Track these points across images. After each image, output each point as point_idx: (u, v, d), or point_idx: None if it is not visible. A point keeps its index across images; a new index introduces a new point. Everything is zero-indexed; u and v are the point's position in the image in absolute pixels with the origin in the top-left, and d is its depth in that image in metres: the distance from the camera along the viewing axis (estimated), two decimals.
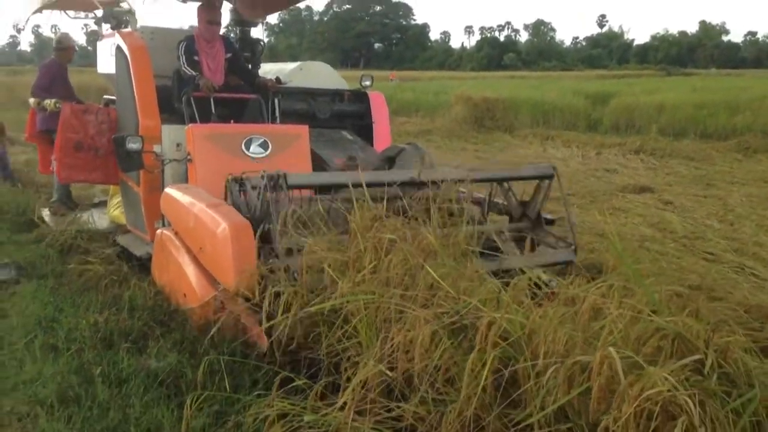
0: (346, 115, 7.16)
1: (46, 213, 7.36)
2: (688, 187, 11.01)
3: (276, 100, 6.33)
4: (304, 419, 2.82)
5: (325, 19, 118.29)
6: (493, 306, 2.68)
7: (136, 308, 4.37)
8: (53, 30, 26.37)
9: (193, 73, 5.90)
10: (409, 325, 2.82)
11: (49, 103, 7.16)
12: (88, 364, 3.54)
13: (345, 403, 2.80)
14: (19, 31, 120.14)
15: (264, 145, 5.46)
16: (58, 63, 7.78)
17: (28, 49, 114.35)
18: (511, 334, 2.59)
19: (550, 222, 5.08)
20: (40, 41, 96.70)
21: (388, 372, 2.77)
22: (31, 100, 7.55)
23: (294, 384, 3.07)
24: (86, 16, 7.54)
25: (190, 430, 2.91)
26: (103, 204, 7.82)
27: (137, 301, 4.49)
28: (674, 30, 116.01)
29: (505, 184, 5.05)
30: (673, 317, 2.34)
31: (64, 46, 7.90)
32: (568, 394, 2.24)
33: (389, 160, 5.78)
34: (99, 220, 7.07)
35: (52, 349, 3.79)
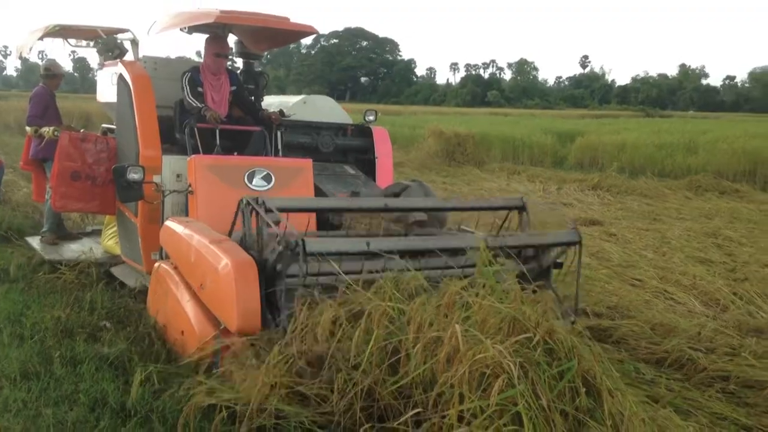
0: (350, 149, 7.18)
1: (37, 243, 7.21)
2: (635, 221, 11.67)
3: (279, 133, 6.30)
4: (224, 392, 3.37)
5: (313, 52, 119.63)
6: (383, 297, 3.27)
7: (96, 308, 4.96)
8: (40, 56, 26.63)
9: (198, 104, 5.84)
10: (317, 312, 3.40)
11: (47, 130, 7.06)
12: (49, 349, 4.13)
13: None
14: (6, 56, 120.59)
15: (267, 178, 5.39)
16: (48, 90, 7.71)
17: (14, 74, 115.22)
18: (395, 320, 3.18)
19: (559, 265, 4.87)
20: (26, 66, 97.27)
21: (295, 352, 3.33)
22: (28, 129, 7.44)
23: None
24: (87, 45, 7.40)
25: (131, 398, 3.48)
26: (96, 233, 7.72)
27: (98, 302, 5.07)
28: (654, 72, 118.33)
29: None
30: (513, 305, 2.94)
31: (52, 73, 7.85)
32: (427, 362, 2.83)
33: (393, 197, 5.64)
34: (92, 249, 6.88)
35: (18, 338, 4.38)
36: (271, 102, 7.28)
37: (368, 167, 7.10)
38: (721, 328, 5.95)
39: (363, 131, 7.29)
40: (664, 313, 6.43)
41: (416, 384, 2.95)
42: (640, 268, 8.11)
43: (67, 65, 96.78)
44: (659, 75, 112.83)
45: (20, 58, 8.15)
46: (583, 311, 5.85)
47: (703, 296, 7.07)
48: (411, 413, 2.76)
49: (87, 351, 4.08)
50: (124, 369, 3.90)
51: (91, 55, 8.08)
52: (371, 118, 7.38)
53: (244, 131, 6.12)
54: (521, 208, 4.92)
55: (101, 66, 6.86)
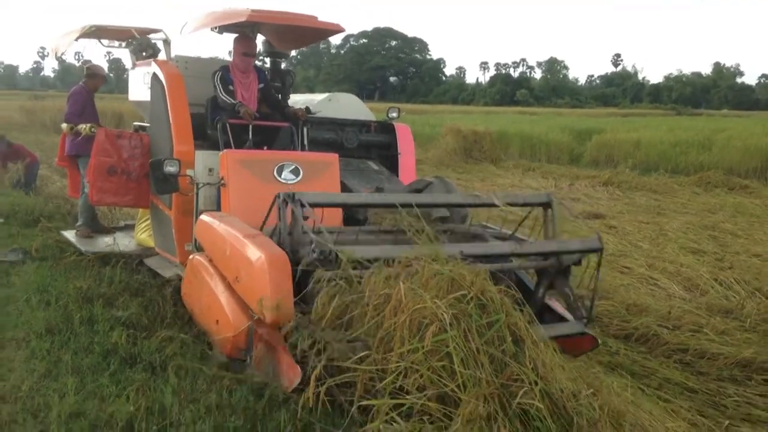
0: (373, 146, 7.35)
1: (72, 236, 7.43)
2: (638, 215, 12.01)
3: (305, 129, 6.47)
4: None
5: (342, 52, 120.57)
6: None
7: (115, 282, 5.62)
8: (77, 57, 27.56)
9: (232, 101, 6.06)
10: None
11: (84, 127, 7.24)
12: (71, 312, 4.81)
13: None
14: (44, 57, 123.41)
15: (295, 172, 5.56)
16: (87, 89, 7.87)
17: (51, 75, 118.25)
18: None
19: (578, 263, 4.90)
20: (63, 67, 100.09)
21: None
22: (64, 125, 7.58)
23: None
24: (119, 45, 7.58)
25: (140, 347, 4.16)
26: (129, 227, 7.98)
27: (117, 276, 5.72)
28: (688, 71, 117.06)
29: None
30: (453, 268, 3.48)
31: (93, 73, 8.03)
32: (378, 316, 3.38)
33: (416, 193, 5.82)
34: (125, 242, 7.22)
35: (45, 303, 5.07)
36: (297, 99, 7.45)
37: (391, 163, 7.28)
38: (692, 309, 6.39)
39: (386, 128, 7.46)
40: (643, 296, 6.87)
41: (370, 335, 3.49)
42: (631, 257, 8.52)
43: (104, 66, 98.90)
44: (693, 73, 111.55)
45: (56, 58, 8.41)
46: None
47: (686, 282, 7.45)
48: (359, 354, 3.30)
49: (104, 314, 4.74)
50: (135, 328, 4.53)
51: (126, 56, 8.07)
52: (394, 115, 7.54)
53: (272, 127, 6.35)
54: (547, 205, 4.92)
55: (133, 66, 7.14)
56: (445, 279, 3.42)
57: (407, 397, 3.12)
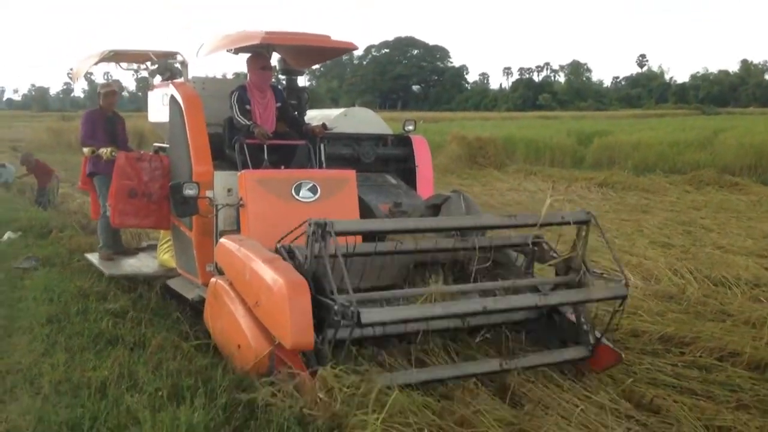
0: (390, 159, 7.36)
1: (95, 258, 7.46)
2: (622, 213, 12.50)
3: (322, 146, 6.47)
4: None
5: (364, 62, 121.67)
6: None
7: (112, 282, 6.49)
8: (105, 77, 28.40)
9: (246, 122, 6.01)
10: None
11: (105, 151, 7.18)
12: (68, 305, 5.72)
13: None
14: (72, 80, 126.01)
15: (313, 190, 5.58)
16: (96, 111, 7.91)
17: (81, 95, 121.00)
18: None
19: (598, 275, 5.14)
20: (92, 87, 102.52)
21: None
22: (85, 150, 7.59)
23: None
24: (138, 68, 7.69)
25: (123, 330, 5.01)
26: (151, 248, 7.95)
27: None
28: (715, 69, 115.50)
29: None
30: None
31: (100, 92, 8.02)
32: None
33: (434, 208, 5.91)
34: (148, 263, 7.33)
35: (48, 300, 5.99)
36: (313, 116, 7.45)
37: (409, 176, 7.31)
38: (639, 295, 6.94)
39: (402, 141, 7.46)
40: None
41: None
42: (600, 252, 9.05)
43: (131, 85, 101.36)
44: (720, 71, 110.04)
45: (75, 81, 8.88)
46: None
47: (645, 273, 7.93)
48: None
49: (97, 307, 5.64)
50: (123, 317, 5.40)
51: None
52: (410, 127, 7.50)
53: (289, 145, 6.30)
54: (586, 222, 5.01)
55: (151, 87, 7.22)
56: None
57: None
